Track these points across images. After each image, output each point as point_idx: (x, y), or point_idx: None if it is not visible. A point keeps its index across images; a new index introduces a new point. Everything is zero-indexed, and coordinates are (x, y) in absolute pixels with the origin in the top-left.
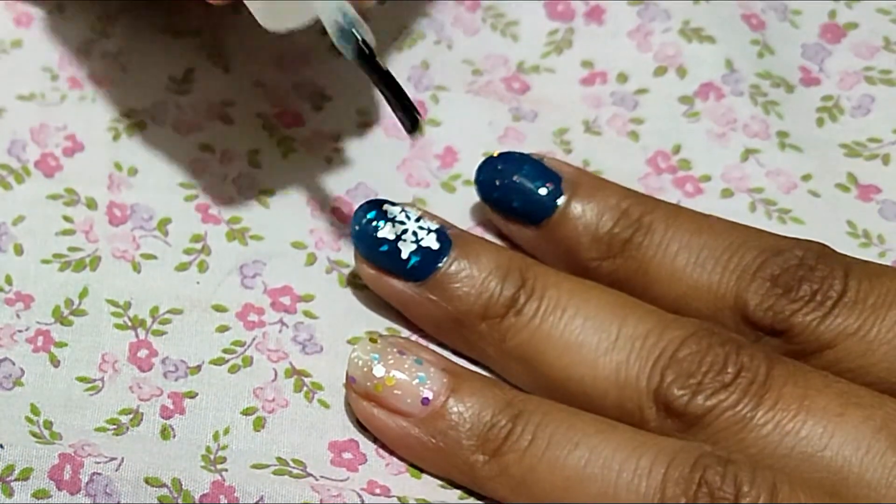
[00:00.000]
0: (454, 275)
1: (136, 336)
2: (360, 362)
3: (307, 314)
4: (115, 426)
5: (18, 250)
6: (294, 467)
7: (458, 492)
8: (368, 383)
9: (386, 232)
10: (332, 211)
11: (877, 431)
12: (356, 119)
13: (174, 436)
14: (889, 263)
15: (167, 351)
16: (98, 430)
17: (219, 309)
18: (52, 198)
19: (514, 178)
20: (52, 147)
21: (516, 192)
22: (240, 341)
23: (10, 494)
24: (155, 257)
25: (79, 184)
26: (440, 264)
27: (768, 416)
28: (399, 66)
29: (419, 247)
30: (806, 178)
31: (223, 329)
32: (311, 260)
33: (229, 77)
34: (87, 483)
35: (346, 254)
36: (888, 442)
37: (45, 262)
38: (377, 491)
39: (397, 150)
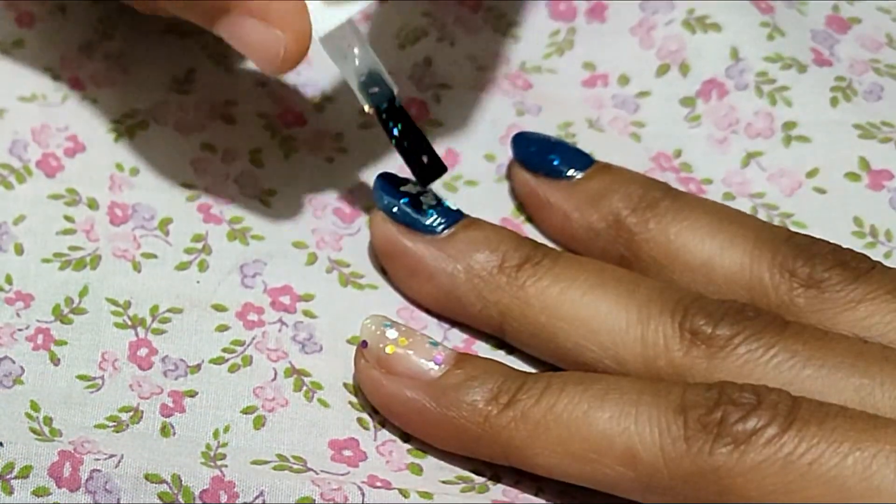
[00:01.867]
0: (471, 231)
1: (136, 335)
2: (374, 327)
3: (307, 314)
4: (114, 423)
5: (19, 250)
6: (294, 463)
7: (460, 486)
8: (381, 345)
9: (409, 188)
10: (333, 211)
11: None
12: (358, 119)
13: (174, 433)
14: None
15: (167, 349)
16: (98, 426)
17: (218, 308)
18: (53, 197)
19: (551, 140)
20: (53, 147)
21: (554, 146)
22: (239, 340)
23: (10, 492)
24: (155, 257)
25: (80, 184)
26: (459, 222)
27: (794, 339)
28: (401, 63)
29: (439, 204)
30: (812, 173)
31: (223, 328)
32: (312, 259)
33: (231, 77)
34: (86, 480)
35: (347, 254)
36: None
37: (46, 261)
38: (378, 484)
39: None
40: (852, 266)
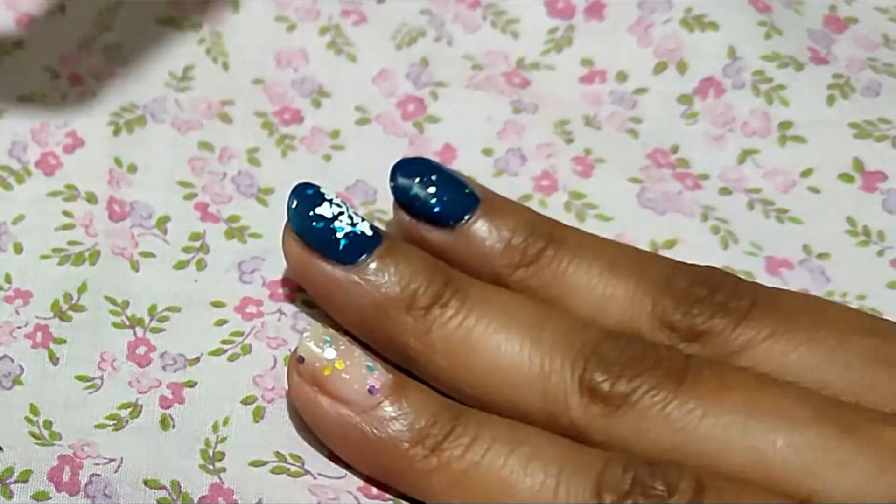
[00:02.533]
0: (383, 263)
1: (135, 334)
2: (312, 343)
3: (306, 304)
4: (114, 421)
5: (18, 249)
6: (292, 464)
7: None
8: (317, 364)
9: (323, 210)
10: None
11: (798, 409)
12: (355, 116)
13: (174, 426)
14: (888, 261)
15: (166, 346)
16: (98, 426)
17: (217, 305)
18: (52, 195)
19: (433, 177)
20: (52, 146)
21: (436, 193)
22: (238, 332)
23: (10, 496)
24: (153, 255)
25: (79, 180)
26: (371, 252)
27: (690, 394)
28: (398, 63)
29: (353, 230)
30: (806, 173)
31: (221, 322)
32: None
33: (228, 75)
34: (86, 484)
35: None
36: (808, 417)
37: (44, 257)
38: (374, 490)
39: (396, 148)
40: (732, 308)
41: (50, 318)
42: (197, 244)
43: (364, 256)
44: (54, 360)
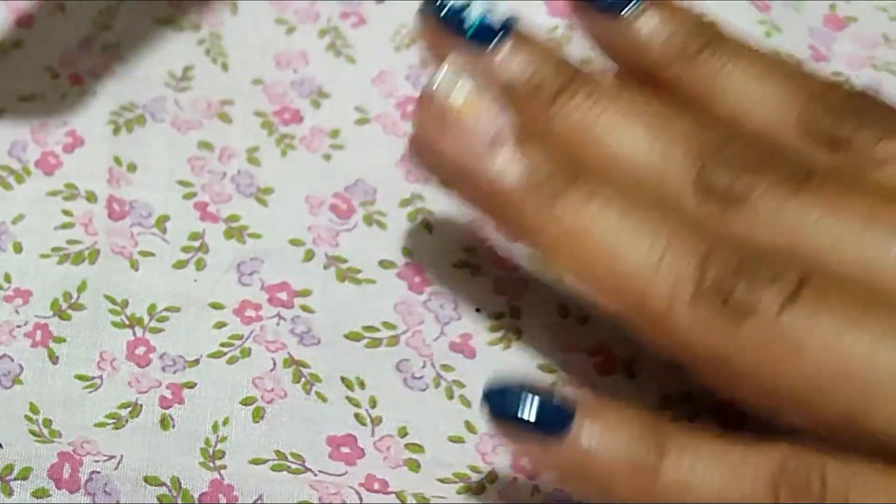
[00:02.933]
0: (513, 51)
1: (134, 334)
2: (448, 76)
3: (304, 308)
4: (114, 420)
5: (18, 248)
6: (293, 461)
7: (457, 485)
8: (449, 95)
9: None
10: (330, 207)
11: None
12: (354, 116)
13: (173, 426)
14: None
15: (165, 347)
16: (97, 425)
17: (216, 307)
18: (51, 194)
19: None
20: (52, 145)
21: None
22: (238, 335)
23: (10, 494)
24: (153, 255)
25: (79, 178)
26: (501, 40)
27: (809, 196)
28: (397, 65)
29: (483, 19)
30: None
31: (221, 325)
32: (309, 256)
33: (228, 75)
34: (86, 481)
35: (344, 249)
36: None
37: (44, 256)
38: (375, 486)
39: (396, 147)
40: (878, 123)
41: (49, 316)
42: (196, 244)
43: (494, 43)
44: (53, 359)
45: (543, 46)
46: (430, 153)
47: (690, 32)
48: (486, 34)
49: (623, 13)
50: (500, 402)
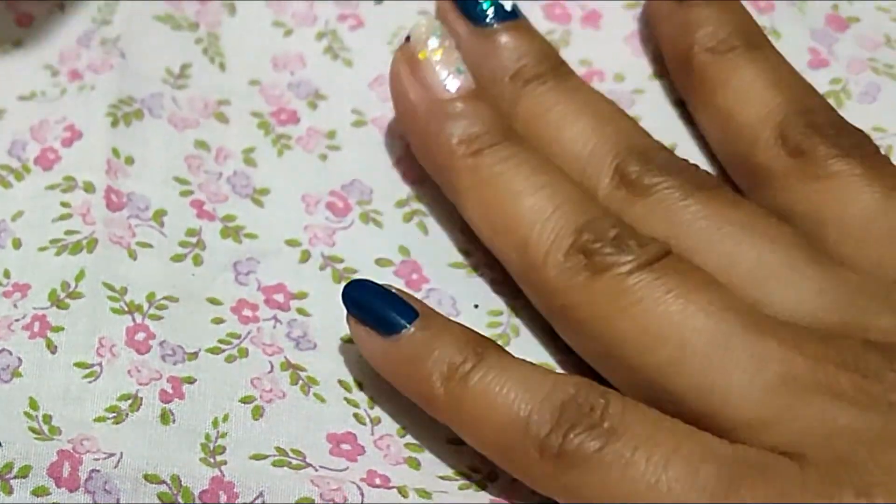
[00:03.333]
0: (509, 36)
1: (133, 320)
2: (423, 29)
3: (300, 311)
4: (114, 414)
5: (16, 244)
6: (293, 457)
7: (459, 482)
8: (418, 47)
9: None
10: (326, 205)
11: (783, 236)
12: (351, 117)
13: (174, 420)
14: None
15: (164, 335)
16: (97, 420)
17: (213, 302)
18: (50, 188)
19: None
20: (51, 141)
21: None
22: (235, 333)
23: (10, 492)
24: (151, 246)
25: (77, 170)
26: (500, 23)
27: (701, 201)
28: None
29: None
30: None
31: (218, 321)
32: (305, 257)
33: (225, 75)
34: (86, 480)
35: (340, 248)
36: (788, 244)
37: (42, 249)
38: (377, 481)
39: (392, 148)
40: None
41: (47, 307)
42: (193, 240)
43: (495, 25)
44: (52, 348)
45: (537, 37)
46: (398, 91)
47: (736, 29)
48: (496, 14)
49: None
50: (358, 293)
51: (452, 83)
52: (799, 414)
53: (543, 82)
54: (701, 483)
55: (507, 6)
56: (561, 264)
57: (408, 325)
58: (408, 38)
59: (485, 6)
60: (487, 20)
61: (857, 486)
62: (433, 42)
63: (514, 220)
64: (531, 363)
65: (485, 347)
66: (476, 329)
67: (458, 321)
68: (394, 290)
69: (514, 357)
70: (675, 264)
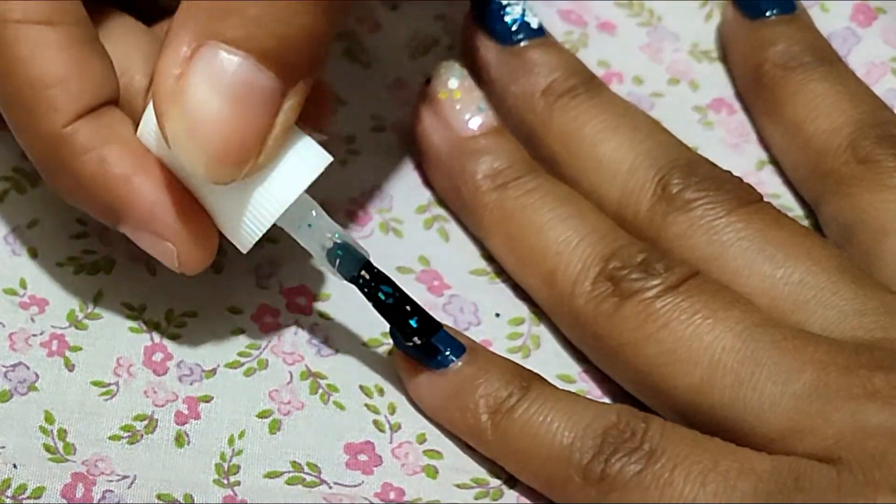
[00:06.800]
0: (538, 52)
1: (151, 339)
2: (443, 70)
3: (322, 316)
4: (129, 433)
5: (33, 253)
6: (308, 473)
7: (475, 491)
8: (439, 87)
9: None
10: (346, 213)
11: (827, 259)
12: (370, 122)
13: (189, 442)
14: None
15: (182, 354)
16: (112, 438)
17: (234, 311)
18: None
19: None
20: None
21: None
22: (255, 344)
23: None
24: None
25: None
26: (533, 36)
27: (741, 218)
28: (413, 72)
29: (520, 18)
30: None
31: (238, 332)
32: None
33: None
34: (99, 500)
35: None
36: (832, 267)
37: (60, 265)
38: (391, 495)
39: (412, 152)
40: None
41: (66, 327)
42: None
43: (522, 44)
44: (69, 366)
45: (565, 52)
46: (421, 134)
47: (809, 47)
48: (523, 32)
49: (772, 14)
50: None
51: (475, 121)
52: (832, 418)
53: (575, 96)
54: (738, 498)
55: (534, 23)
56: (588, 293)
57: (455, 360)
58: (427, 81)
59: (511, 25)
60: (515, 39)
61: (892, 484)
62: (453, 83)
63: (541, 252)
64: (574, 394)
65: (529, 381)
66: (498, 337)
67: (481, 329)
68: (441, 326)
69: (557, 388)
70: (701, 285)
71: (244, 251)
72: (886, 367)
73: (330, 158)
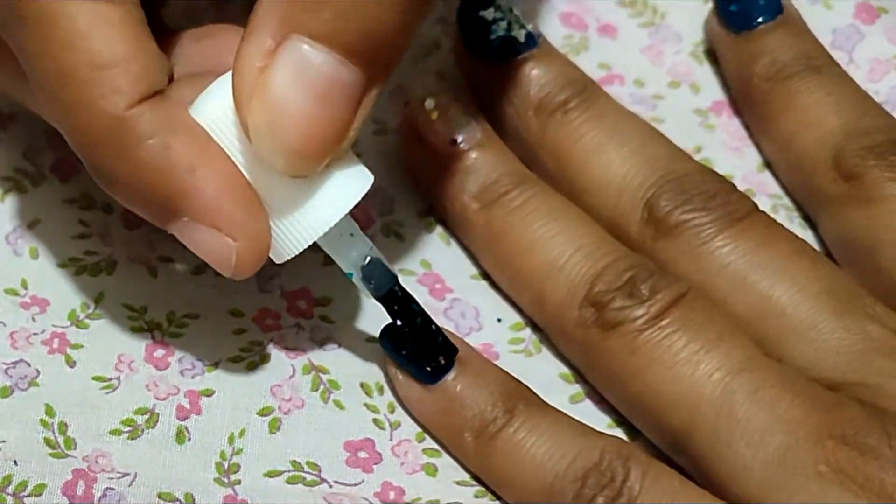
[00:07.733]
0: (533, 63)
1: (153, 338)
2: (420, 91)
3: (324, 318)
4: (130, 428)
5: (34, 253)
6: (309, 472)
7: (475, 489)
8: (417, 108)
9: (486, 13)
10: (349, 214)
11: (815, 282)
12: (372, 126)
13: (189, 438)
14: None
15: (184, 350)
16: (113, 432)
17: (235, 314)
18: (67, 202)
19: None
20: (68, 152)
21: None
22: (257, 341)
23: None
24: (171, 261)
25: (95, 188)
26: (522, 50)
27: (731, 239)
28: (414, 76)
29: (508, 34)
30: None
31: (240, 332)
32: (329, 260)
33: None
34: (100, 498)
35: None
36: (819, 290)
37: (62, 265)
38: (391, 495)
39: None
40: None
41: (67, 326)
42: None
43: (512, 59)
44: (71, 363)
45: (557, 63)
46: (408, 157)
47: (797, 55)
48: (511, 48)
49: (756, 25)
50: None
51: (457, 137)
52: (794, 493)
53: (567, 112)
54: None
55: (521, 36)
56: (576, 320)
57: (444, 376)
58: (406, 104)
59: (497, 43)
60: (502, 57)
61: None
62: (429, 102)
63: (529, 274)
64: (561, 415)
65: (517, 401)
66: (499, 342)
67: (482, 334)
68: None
69: (545, 410)
70: (689, 312)
71: (277, 262)
72: (850, 440)
73: (372, 178)
